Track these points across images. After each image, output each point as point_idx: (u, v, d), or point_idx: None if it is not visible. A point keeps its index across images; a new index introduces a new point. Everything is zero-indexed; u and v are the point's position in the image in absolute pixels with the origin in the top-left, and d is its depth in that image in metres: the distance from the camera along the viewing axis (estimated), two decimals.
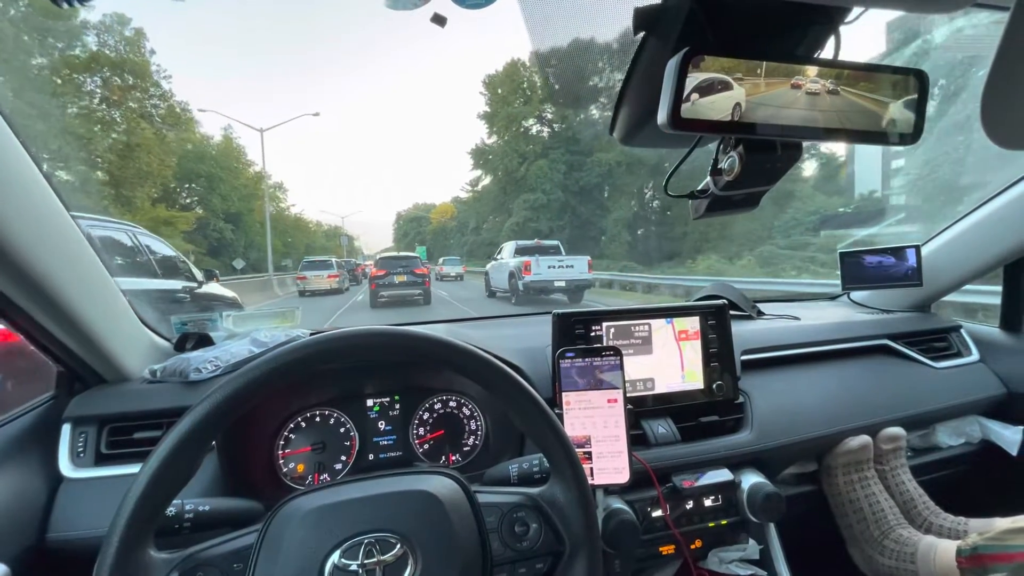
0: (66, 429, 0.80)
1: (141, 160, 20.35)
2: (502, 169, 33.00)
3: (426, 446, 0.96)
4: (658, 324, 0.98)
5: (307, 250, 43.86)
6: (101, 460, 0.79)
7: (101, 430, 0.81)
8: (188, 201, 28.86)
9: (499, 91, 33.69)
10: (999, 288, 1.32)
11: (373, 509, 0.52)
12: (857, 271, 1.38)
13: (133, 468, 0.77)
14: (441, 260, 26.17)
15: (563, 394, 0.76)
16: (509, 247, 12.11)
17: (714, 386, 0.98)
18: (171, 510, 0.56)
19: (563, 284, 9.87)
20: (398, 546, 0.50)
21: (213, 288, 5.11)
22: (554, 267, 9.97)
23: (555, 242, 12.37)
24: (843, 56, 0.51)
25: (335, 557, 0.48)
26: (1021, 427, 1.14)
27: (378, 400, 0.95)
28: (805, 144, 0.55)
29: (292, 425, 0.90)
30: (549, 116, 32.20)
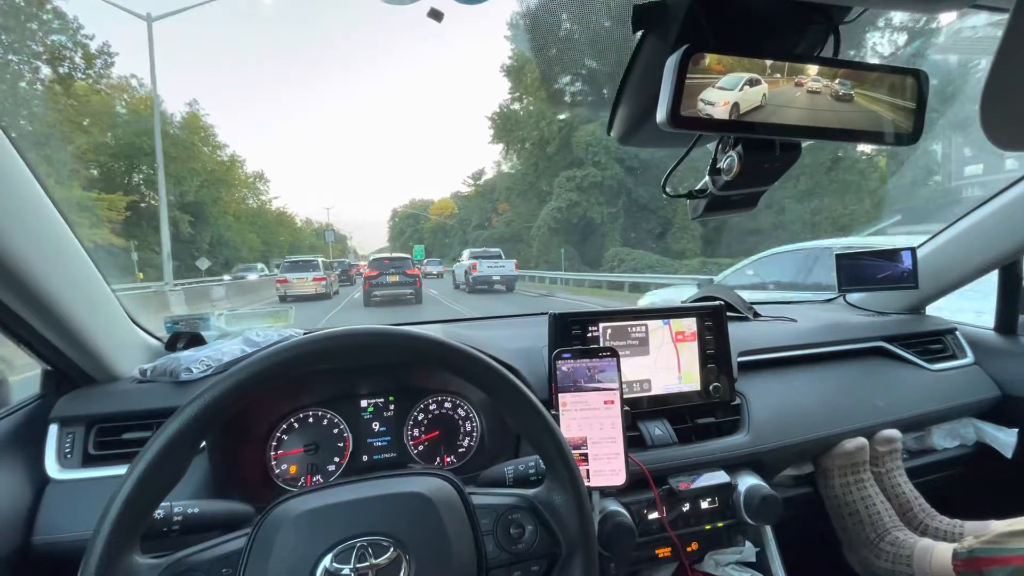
0: (53, 429, 0.78)
1: (37, 117, 14.36)
2: (533, 139, 25.22)
3: (421, 447, 0.95)
4: (655, 325, 0.97)
5: (291, 249, 39.17)
6: (89, 461, 0.78)
7: (89, 430, 0.79)
8: (135, 183, 22.95)
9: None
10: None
11: (366, 512, 0.51)
12: (853, 273, 1.38)
13: (121, 469, 0.76)
14: (425, 261, 28.04)
15: (559, 395, 0.76)
16: (466, 253, 16.97)
17: (711, 388, 0.98)
18: (159, 513, 0.55)
19: (498, 278, 14.95)
20: (391, 549, 0.49)
21: None
22: (492, 267, 14.91)
23: (497, 250, 17.26)
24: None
25: (327, 561, 0.47)
26: (1015, 429, 1.15)
27: (372, 401, 0.94)
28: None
29: (285, 426, 0.89)
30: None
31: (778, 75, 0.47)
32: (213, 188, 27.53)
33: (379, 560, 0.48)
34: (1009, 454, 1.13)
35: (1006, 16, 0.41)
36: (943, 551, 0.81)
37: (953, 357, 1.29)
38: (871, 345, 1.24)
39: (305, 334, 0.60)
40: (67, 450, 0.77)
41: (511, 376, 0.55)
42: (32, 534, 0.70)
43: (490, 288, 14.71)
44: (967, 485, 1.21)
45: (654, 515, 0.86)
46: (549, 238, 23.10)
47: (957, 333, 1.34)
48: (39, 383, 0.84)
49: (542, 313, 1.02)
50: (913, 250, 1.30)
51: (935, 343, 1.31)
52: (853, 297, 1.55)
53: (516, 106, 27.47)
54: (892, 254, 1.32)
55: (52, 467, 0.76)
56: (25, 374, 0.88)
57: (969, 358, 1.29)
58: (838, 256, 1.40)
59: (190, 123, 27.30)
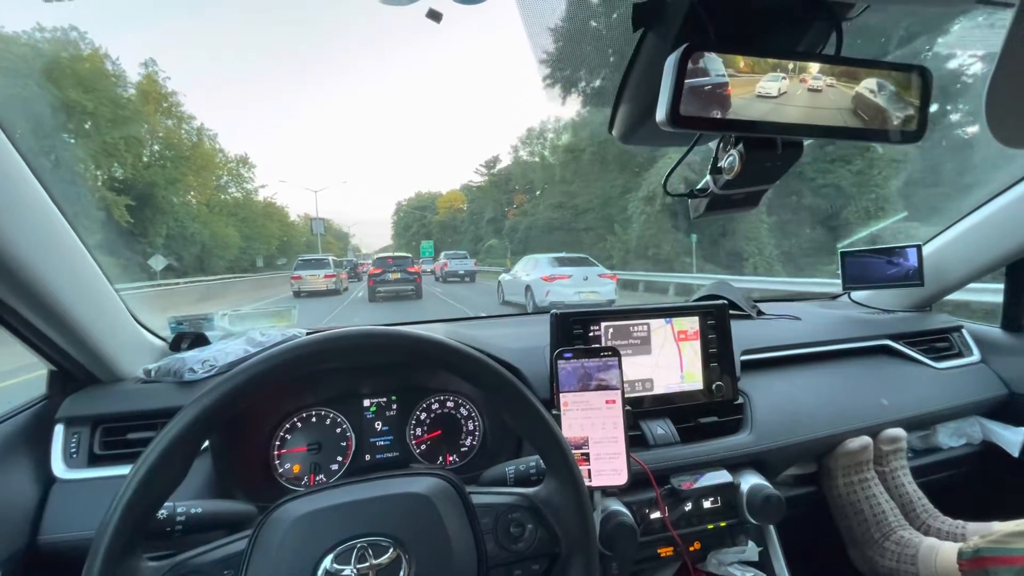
0: (59, 429, 0.79)
1: None
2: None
3: (423, 447, 0.95)
4: (657, 324, 0.97)
5: (282, 247, 34.54)
6: (94, 461, 0.78)
7: (95, 430, 0.80)
8: (36, 150, 10.45)
9: None
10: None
11: (365, 512, 0.51)
12: (858, 271, 1.37)
13: (127, 469, 0.76)
14: (420, 260, 29.13)
15: (561, 395, 0.76)
16: (443, 255, 22.56)
17: (713, 387, 0.98)
18: (162, 513, 0.55)
19: (463, 271, 20.03)
20: (391, 549, 0.49)
21: None
22: (457, 264, 20.34)
23: (463, 252, 22.92)
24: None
25: (327, 562, 0.47)
26: (1022, 428, 1.14)
27: (375, 400, 0.95)
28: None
29: (288, 425, 0.90)
30: None
31: (779, 72, 0.47)
32: (172, 167, 21.75)
33: (379, 560, 0.48)
34: (1016, 453, 1.12)
35: (1010, 12, 0.41)
36: (948, 551, 0.81)
37: (959, 355, 1.28)
38: (876, 343, 1.23)
39: (308, 334, 0.60)
40: (73, 450, 0.78)
41: (511, 376, 0.55)
42: (38, 533, 0.70)
43: (459, 280, 19.83)
44: (973, 484, 1.20)
45: (656, 514, 0.86)
46: (659, 219, 14.88)
47: (963, 331, 1.33)
48: (45, 384, 0.85)
49: (543, 312, 1.02)
50: (919, 247, 1.29)
51: (941, 341, 1.30)
52: (858, 295, 1.54)
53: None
54: (898, 251, 1.31)
55: (58, 467, 0.77)
56: (29, 375, 0.89)
57: (976, 356, 1.28)
58: (843, 254, 1.39)
59: (145, 88, 21.55)
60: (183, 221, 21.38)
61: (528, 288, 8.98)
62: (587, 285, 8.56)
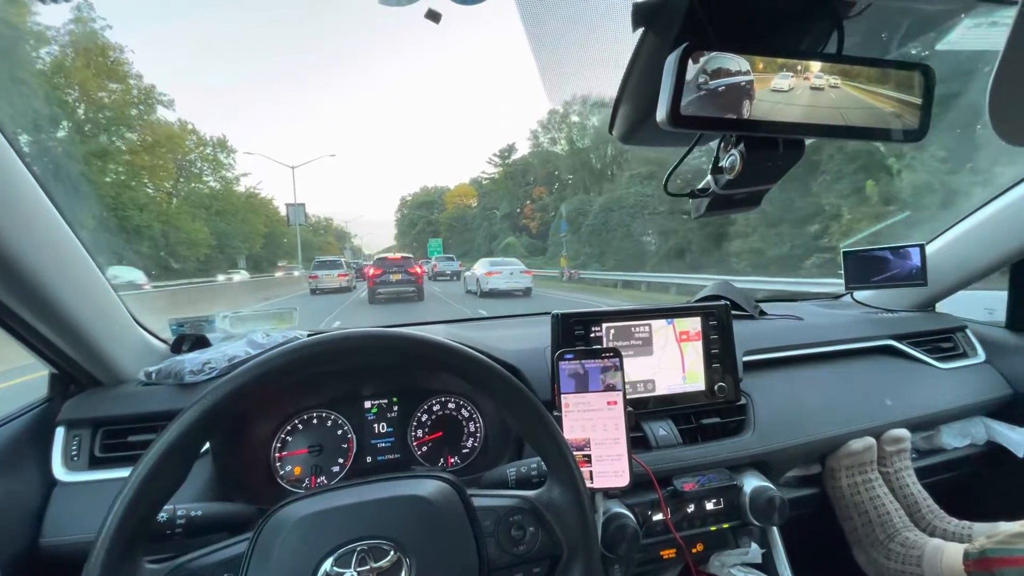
0: (60, 432, 0.79)
1: None
2: None
3: (424, 448, 0.95)
4: (659, 325, 0.97)
5: (268, 244, 30.88)
6: (95, 463, 0.78)
7: (95, 433, 0.80)
8: None
9: None
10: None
11: (366, 515, 0.51)
12: (861, 270, 1.37)
13: (127, 471, 0.76)
14: (421, 261, 29.86)
15: (562, 396, 0.75)
16: (434, 258, 25.32)
17: (716, 388, 0.97)
18: (163, 515, 0.55)
19: (449, 272, 22.07)
20: (392, 552, 0.49)
21: None
22: (445, 266, 22.68)
23: (451, 255, 26.26)
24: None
25: (328, 565, 0.47)
26: None
27: (376, 402, 0.94)
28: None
29: (289, 427, 0.89)
30: None
31: (781, 71, 0.46)
32: (108, 135, 17.18)
33: (380, 563, 0.48)
34: (1021, 453, 1.12)
35: (1014, 9, 0.40)
36: (954, 551, 0.80)
37: (964, 355, 1.27)
38: (879, 344, 1.22)
39: (309, 336, 0.60)
40: (74, 453, 0.78)
41: (512, 378, 0.55)
42: (40, 536, 0.70)
43: (448, 279, 22.15)
44: (978, 485, 1.19)
45: (658, 516, 0.86)
46: None
47: (968, 331, 1.32)
48: (46, 386, 0.85)
49: (545, 313, 1.02)
50: (922, 246, 1.28)
51: (945, 341, 1.30)
52: (860, 295, 1.53)
53: None
54: (901, 251, 1.30)
55: (59, 469, 0.76)
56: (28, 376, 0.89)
57: (980, 356, 1.27)
58: (845, 253, 1.38)
59: (76, 38, 16.58)
60: (125, 210, 16.62)
61: (477, 280, 13.86)
62: (512, 278, 13.34)
